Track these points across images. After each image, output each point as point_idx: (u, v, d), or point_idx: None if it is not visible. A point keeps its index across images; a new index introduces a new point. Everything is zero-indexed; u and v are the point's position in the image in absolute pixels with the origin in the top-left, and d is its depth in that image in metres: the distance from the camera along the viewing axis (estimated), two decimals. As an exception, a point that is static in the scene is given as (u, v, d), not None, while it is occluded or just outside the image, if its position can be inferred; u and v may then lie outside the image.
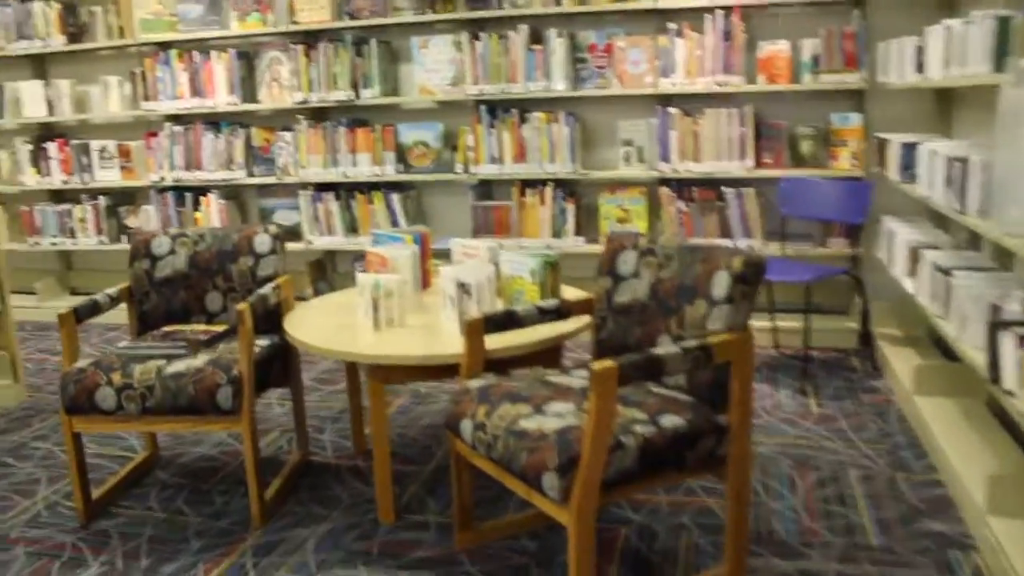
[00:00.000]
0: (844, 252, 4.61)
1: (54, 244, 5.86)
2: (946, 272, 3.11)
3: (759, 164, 4.67)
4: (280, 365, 3.17)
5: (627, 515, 2.92)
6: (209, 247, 3.36)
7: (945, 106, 4.31)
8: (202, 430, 2.85)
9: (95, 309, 3.10)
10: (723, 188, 4.69)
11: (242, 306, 2.81)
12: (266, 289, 3.08)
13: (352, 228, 5.30)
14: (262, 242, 3.33)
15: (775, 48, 4.54)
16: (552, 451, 2.13)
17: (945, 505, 2.92)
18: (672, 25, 4.62)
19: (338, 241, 5.30)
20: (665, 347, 2.19)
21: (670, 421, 2.27)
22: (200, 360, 2.88)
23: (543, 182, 4.94)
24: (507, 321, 2.65)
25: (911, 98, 4.53)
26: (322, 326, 3.01)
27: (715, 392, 2.39)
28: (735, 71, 4.54)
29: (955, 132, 4.23)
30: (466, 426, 2.44)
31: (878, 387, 4.07)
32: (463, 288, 2.84)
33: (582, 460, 2.08)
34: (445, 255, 3.47)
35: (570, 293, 3.24)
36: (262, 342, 3.11)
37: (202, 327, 3.22)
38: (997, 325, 2.45)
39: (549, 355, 2.88)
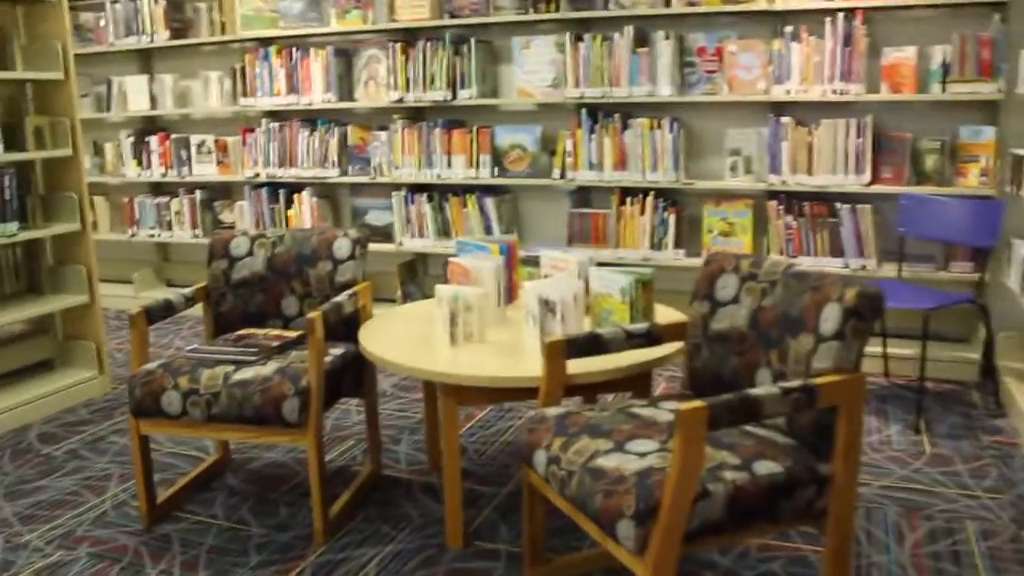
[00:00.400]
0: (968, 277, 4.25)
1: (152, 236, 5.90)
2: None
3: (877, 179, 4.34)
4: (354, 375, 3.03)
5: (711, 558, 2.68)
6: (288, 250, 3.25)
7: (1090, 122, 3.92)
8: (267, 441, 2.72)
9: (169, 309, 3.01)
10: (836, 204, 4.37)
11: (313, 315, 2.68)
12: (342, 297, 2.95)
13: (444, 231, 5.15)
14: (341, 246, 3.20)
15: (901, 55, 4.21)
16: (630, 496, 1.92)
17: (1078, 573, 2.60)
18: (788, 28, 4.33)
19: (429, 244, 5.17)
20: (763, 387, 1.96)
21: (765, 468, 2.03)
22: (269, 368, 2.76)
23: (644, 191, 4.70)
24: (591, 345, 2.45)
25: (1051, 112, 4.15)
26: (399, 337, 2.86)
27: (819, 436, 2.14)
28: (855, 79, 4.23)
29: (1101, 151, 3.83)
30: (540, 458, 2.24)
31: (1001, 427, 3.71)
32: (547, 305, 2.64)
33: (663, 509, 1.86)
34: (538, 263, 3.29)
35: (663, 315, 3.01)
36: (336, 351, 2.98)
37: (276, 332, 3.11)
38: None
39: (638, 381, 2.66)
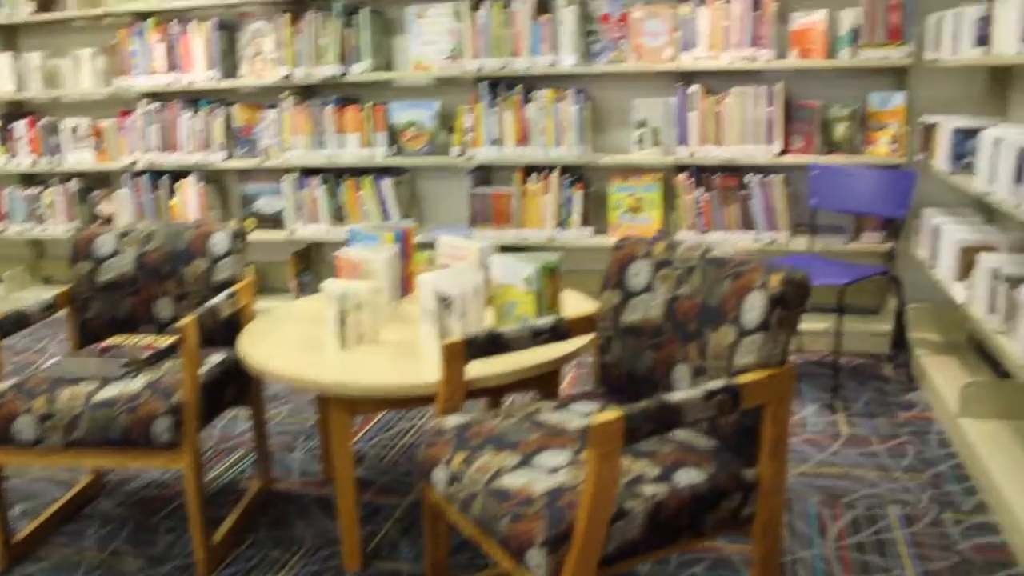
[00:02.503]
0: (879, 248, 4.15)
1: (23, 231, 5.45)
2: (1012, 283, 2.66)
3: (788, 149, 4.20)
4: (237, 383, 2.75)
5: (634, 567, 2.50)
6: (159, 247, 2.93)
7: (1000, 86, 3.83)
8: (137, 466, 2.43)
9: (21, 322, 2.68)
10: (747, 176, 4.22)
11: (185, 321, 2.39)
12: (219, 298, 2.66)
13: (339, 216, 4.86)
14: (218, 241, 2.90)
15: (810, 19, 4.06)
16: (540, 521, 1.71)
17: (1003, 557, 2.49)
18: (692, -6, 4.15)
19: (324, 230, 4.86)
20: (683, 392, 1.75)
21: (687, 477, 1.84)
22: (137, 384, 2.46)
23: (548, 167, 4.48)
24: (492, 345, 2.22)
25: (961, 77, 4.05)
26: (283, 341, 2.59)
27: (743, 437, 1.96)
28: (764, 45, 4.07)
29: (1012, 116, 3.75)
30: (440, 475, 2.01)
31: (915, 401, 3.63)
32: (443, 301, 2.40)
33: (576, 534, 1.65)
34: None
35: (573, 304, 2.80)
36: (215, 358, 2.69)
37: (148, 340, 2.80)
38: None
39: (545, 380, 2.45)
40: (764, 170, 4.25)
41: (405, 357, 2.41)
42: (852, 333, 4.20)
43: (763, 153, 4.16)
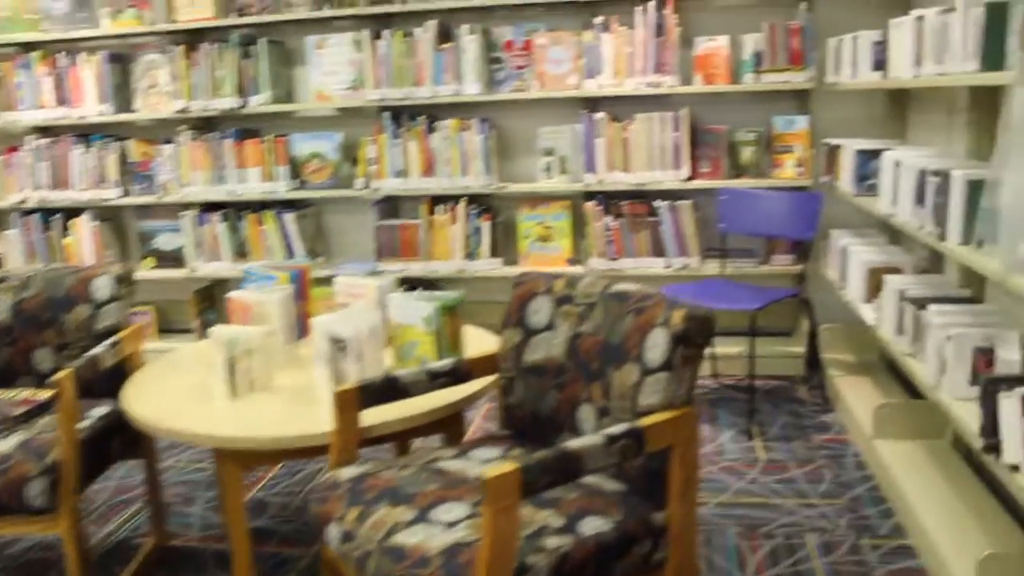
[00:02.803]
0: (790, 270, 4.16)
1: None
2: (917, 304, 2.64)
3: (695, 174, 4.19)
4: (124, 436, 2.59)
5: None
6: (38, 294, 2.76)
7: (899, 109, 3.87)
8: (11, 533, 2.25)
9: None
10: (656, 201, 4.19)
11: (62, 374, 2.23)
12: (101, 348, 2.50)
13: (241, 253, 4.69)
14: (101, 287, 2.74)
15: (713, 44, 4.06)
16: (436, 582, 1.60)
17: (925, 587, 2.46)
18: (598, 19, 4.11)
19: (226, 268, 4.69)
20: (584, 439, 1.67)
21: (592, 526, 1.75)
22: (9, 444, 2.28)
23: (455, 198, 4.40)
24: (389, 390, 2.11)
25: (861, 100, 4.09)
26: (171, 391, 2.43)
27: (651, 480, 1.88)
28: (668, 70, 4.05)
29: (911, 137, 3.79)
30: (333, 532, 1.89)
31: (830, 423, 3.62)
32: (337, 344, 2.28)
33: (475, 596, 1.55)
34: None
35: (476, 342, 2.70)
36: (99, 411, 2.53)
37: (26, 394, 2.62)
38: (994, 384, 1.98)
39: (448, 423, 2.34)
40: (673, 195, 4.22)
41: (299, 404, 2.28)
42: (766, 356, 4.18)
43: (671, 178, 4.14)
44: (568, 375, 2.07)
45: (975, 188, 2.17)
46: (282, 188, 4.56)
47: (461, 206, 4.35)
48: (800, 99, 4.16)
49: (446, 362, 2.20)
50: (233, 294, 2.69)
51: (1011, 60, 1.93)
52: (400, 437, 2.28)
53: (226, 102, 4.52)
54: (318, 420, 2.16)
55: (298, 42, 4.61)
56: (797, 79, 3.96)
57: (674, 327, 1.81)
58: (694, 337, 1.80)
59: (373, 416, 2.12)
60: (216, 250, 4.69)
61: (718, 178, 4.15)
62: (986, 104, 2.78)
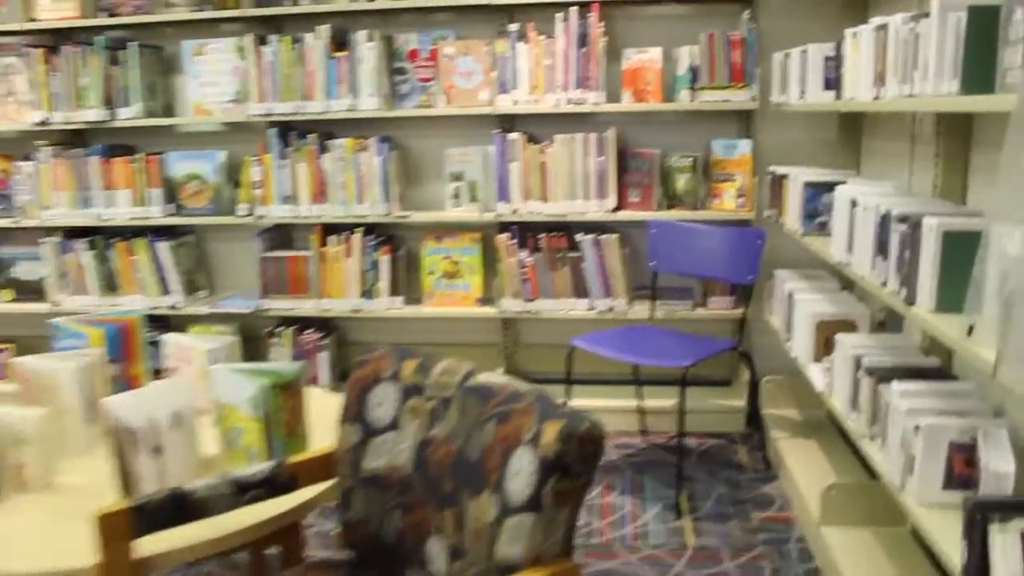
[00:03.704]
0: (729, 314, 3.66)
1: None
2: (876, 376, 2.14)
3: (623, 204, 3.68)
4: None
5: None
6: None
7: (853, 134, 3.40)
8: None
9: None
10: (577, 235, 3.67)
11: None
12: None
13: (110, 286, 4.09)
14: None
15: (644, 57, 3.56)
16: None
17: None
18: (514, 27, 3.59)
19: (93, 302, 4.08)
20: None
21: None
22: None
23: (350, 227, 3.84)
24: (175, 511, 1.55)
25: (810, 122, 3.62)
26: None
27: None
28: (593, 86, 3.54)
29: (867, 167, 3.31)
30: None
31: (772, 496, 3.13)
32: (127, 435, 1.72)
33: None
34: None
35: (327, 428, 2.14)
36: None
37: None
38: (983, 511, 1.47)
39: (284, 535, 1.79)
40: (597, 228, 3.71)
41: (72, 518, 1.71)
42: (701, 411, 3.68)
43: (595, 209, 3.62)
44: (415, 494, 1.53)
45: (955, 242, 1.67)
46: (156, 213, 3.97)
47: (357, 237, 3.79)
48: (742, 121, 3.68)
49: (259, 469, 1.65)
50: (19, 361, 2.11)
51: (1009, 79, 1.43)
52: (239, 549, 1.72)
53: (91, 114, 3.93)
54: (86, 545, 1.59)
55: (175, 47, 4.03)
56: (738, 98, 3.47)
57: (545, 449, 1.28)
58: (573, 465, 1.27)
59: (155, 543, 1.55)
60: (82, 282, 4.09)
61: (648, 209, 3.64)
62: (958, 131, 2.31)
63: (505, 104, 3.61)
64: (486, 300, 3.83)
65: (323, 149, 3.77)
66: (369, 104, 3.68)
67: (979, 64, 1.57)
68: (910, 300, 1.86)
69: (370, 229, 3.85)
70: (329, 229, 3.84)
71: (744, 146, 3.56)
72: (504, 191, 3.67)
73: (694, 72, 3.53)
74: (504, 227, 3.76)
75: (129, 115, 3.91)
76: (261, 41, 3.75)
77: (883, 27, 2.06)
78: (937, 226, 1.73)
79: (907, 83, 1.90)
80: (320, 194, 3.79)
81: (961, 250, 1.69)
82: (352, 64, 3.68)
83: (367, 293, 3.82)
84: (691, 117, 3.73)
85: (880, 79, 2.10)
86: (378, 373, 1.65)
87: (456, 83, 3.68)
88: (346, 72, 3.69)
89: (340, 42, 3.73)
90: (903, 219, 1.89)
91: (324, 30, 3.69)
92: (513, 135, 3.64)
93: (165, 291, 4.02)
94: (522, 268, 3.69)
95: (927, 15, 1.75)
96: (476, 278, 3.79)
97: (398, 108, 3.79)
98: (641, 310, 3.66)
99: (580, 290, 3.69)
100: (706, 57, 3.49)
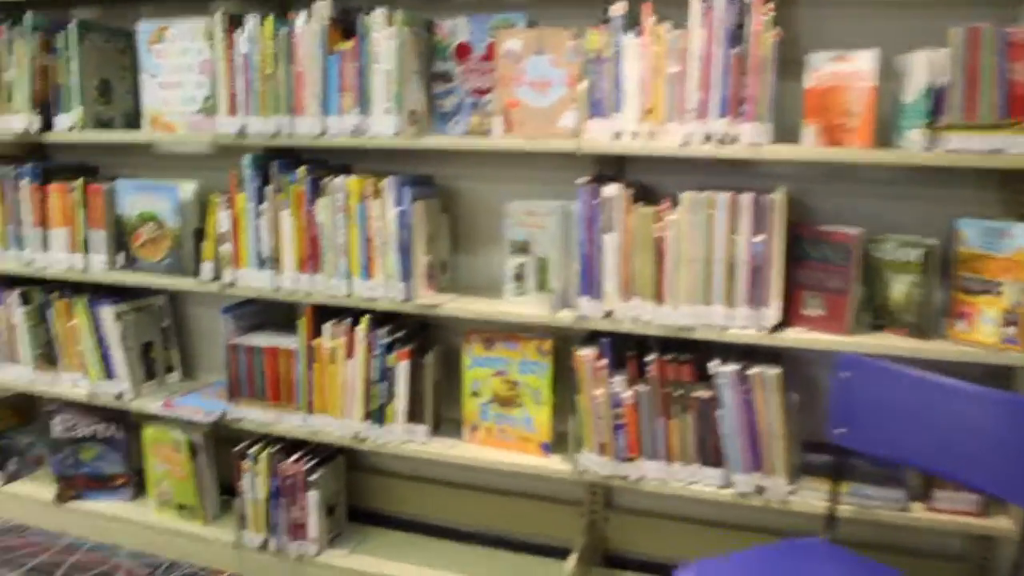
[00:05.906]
0: (971, 525, 2.10)
1: None
2: None
3: (793, 319, 2.16)
4: None
5: None
6: None
7: None
8: None
9: None
10: (712, 362, 2.18)
11: None
12: None
13: (49, 357, 2.92)
14: None
15: (843, 68, 2.00)
16: None
17: None
18: (618, 7, 2.12)
19: (27, 376, 2.92)
20: None
21: None
22: None
23: (353, 312, 2.47)
24: None
25: None
26: None
27: None
28: (751, 114, 2.04)
29: None
30: None
31: None
32: None
33: None
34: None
35: None
36: None
37: None
38: None
39: None
40: (746, 354, 2.20)
41: None
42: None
43: (744, 322, 2.11)
44: None
45: None
46: (98, 265, 2.75)
47: (362, 329, 2.42)
48: (1017, 189, 2.08)
49: None
50: None
51: None
52: None
53: (15, 121, 2.73)
54: None
55: (129, 30, 2.78)
56: (1019, 147, 1.88)
57: None
58: None
59: None
60: (14, 349, 2.93)
61: (838, 331, 2.10)
62: None
63: (600, 136, 2.14)
64: (557, 445, 2.40)
65: (316, 191, 2.41)
66: (385, 125, 2.29)
67: None
68: None
69: (383, 318, 2.46)
70: (324, 313, 2.49)
71: (1021, 234, 1.96)
72: (591, 278, 2.20)
73: (936, 97, 1.95)
74: (590, 337, 2.30)
75: (66, 124, 2.69)
76: (234, 23, 2.43)
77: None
78: None
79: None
80: (311, 258, 2.44)
81: None
82: (362, 61, 2.30)
83: (375, 414, 2.44)
84: (926, 177, 2.16)
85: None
86: None
87: (523, 98, 2.24)
88: (353, 74, 2.31)
89: (347, 26, 2.36)
90: None
91: (323, 7, 2.33)
92: (611, 188, 2.16)
93: (108, 375, 2.81)
94: (615, 407, 2.23)
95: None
96: (543, 411, 2.36)
97: (433, 133, 2.39)
98: (813, 499, 2.13)
99: (710, 453, 2.20)
100: (961, 71, 1.91)
